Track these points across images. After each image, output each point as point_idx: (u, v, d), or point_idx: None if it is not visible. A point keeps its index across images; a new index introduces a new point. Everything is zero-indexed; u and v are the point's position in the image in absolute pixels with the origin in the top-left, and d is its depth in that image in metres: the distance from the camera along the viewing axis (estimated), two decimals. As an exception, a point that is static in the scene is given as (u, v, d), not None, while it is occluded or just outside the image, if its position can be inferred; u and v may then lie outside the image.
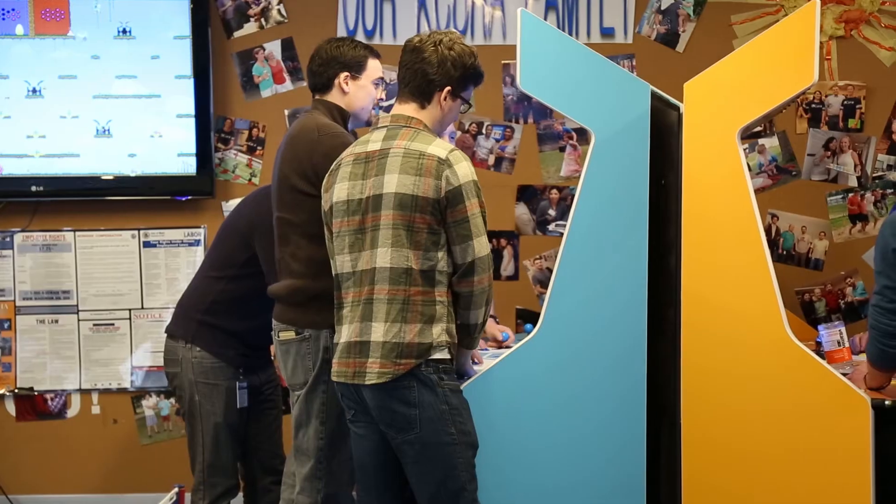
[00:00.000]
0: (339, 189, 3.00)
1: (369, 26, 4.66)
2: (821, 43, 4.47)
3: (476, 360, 3.32)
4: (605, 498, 3.25)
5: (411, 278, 2.88)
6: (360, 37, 4.61)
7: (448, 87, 2.99)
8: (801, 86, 3.08)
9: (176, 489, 3.96)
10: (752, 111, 3.16)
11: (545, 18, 4.60)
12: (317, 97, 3.41)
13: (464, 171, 2.90)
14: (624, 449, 3.24)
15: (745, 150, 4.52)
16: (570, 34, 4.59)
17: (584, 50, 3.31)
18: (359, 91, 3.37)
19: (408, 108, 3.01)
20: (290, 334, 3.26)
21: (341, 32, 4.63)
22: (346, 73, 3.36)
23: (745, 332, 3.12)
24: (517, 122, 4.65)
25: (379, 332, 2.89)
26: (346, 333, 2.97)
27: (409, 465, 2.93)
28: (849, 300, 4.53)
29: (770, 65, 3.09)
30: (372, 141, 2.99)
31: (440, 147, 2.92)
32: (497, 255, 4.64)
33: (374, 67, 3.42)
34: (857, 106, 4.51)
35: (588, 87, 3.26)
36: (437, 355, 2.89)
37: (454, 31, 3.13)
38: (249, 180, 4.67)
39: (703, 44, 4.50)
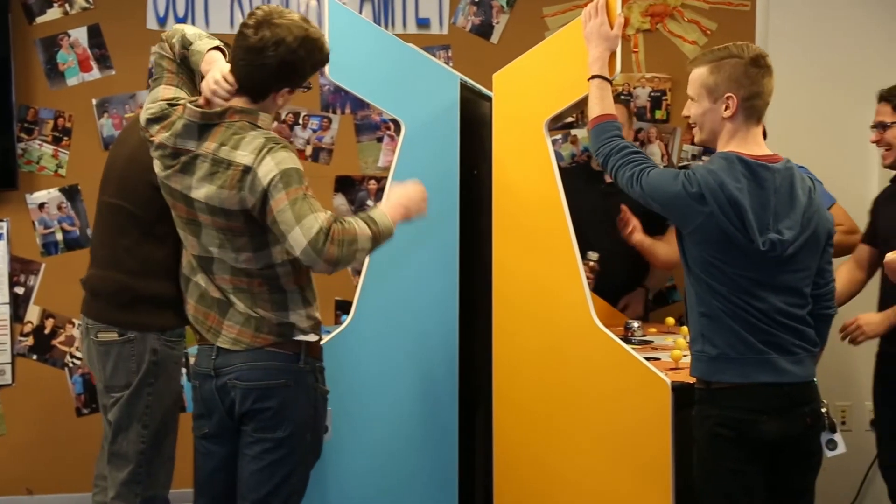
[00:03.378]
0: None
1: (181, 14, 4.54)
2: (628, 36, 4.63)
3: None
4: (419, 483, 3.27)
5: (248, 274, 2.81)
6: (171, 25, 4.48)
7: (286, 89, 2.80)
8: (604, 78, 3.17)
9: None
10: (558, 102, 3.23)
11: (361, 8, 4.59)
12: None
13: (270, 167, 2.66)
14: (438, 435, 3.29)
15: (558, 140, 4.64)
16: (386, 25, 4.59)
17: (393, 40, 3.32)
18: None
19: (235, 100, 2.77)
20: (113, 335, 3.14)
21: (151, 21, 4.51)
22: None
23: (554, 318, 3.19)
24: (334, 112, 4.63)
25: (240, 305, 2.84)
26: (195, 293, 2.91)
27: None
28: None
29: (574, 57, 3.16)
30: (181, 135, 2.77)
31: (249, 148, 2.69)
32: (316, 246, 4.60)
33: None
34: (664, 97, 4.66)
35: (398, 77, 3.27)
36: (304, 337, 2.87)
37: (295, 16, 2.76)
38: (56, 172, 4.49)
39: (517, 35, 4.56)
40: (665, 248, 4.01)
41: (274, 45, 2.70)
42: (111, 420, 3.21)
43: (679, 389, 3.01)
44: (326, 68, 3.14)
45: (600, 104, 3.00)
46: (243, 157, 2.69)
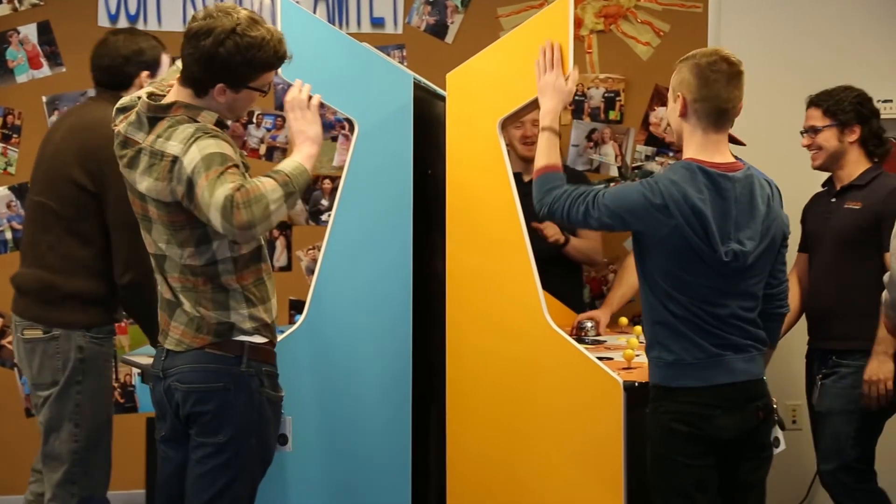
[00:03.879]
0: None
1: (132, 11, 4.49)
2: (582, 37, 4.65)
3: None
4: (372, 484, 3.26)
5: (193, 272, 2.77)
6: (123, 22, 4.44)
7: (221, 84, 2.71)
8: (556, 78, 3.18)
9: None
10: (511, 102, 3.23)
11: (315, 7, 4.57)
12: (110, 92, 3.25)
13: (194, 154, 2.60)
14: (391, 436, 3.27)
15: (512, 140, 4.64)
16: (340, 24, 4.58)
17: (346, 39, 3.31)
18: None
19: (182, 93, 2.75)
20: (38, 332, 3.11)
21: (102, 18, 4.46)
22: (147, 73, 3.24)
23: (507, 317, 3.20)
24: (288, 111, 4.60)
25: (186, 304, 2.79)
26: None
27: None
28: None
29: (527, 57, 3.16)
30: (134, 125, 2.76)
31: (179, 138, 2.65)
32: (270, 245, 4.58)
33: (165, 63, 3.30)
34: (617, 98, 4.68)
35: (350, 76, 3.26)
36: (244, 338, 2.82)
37: (243, 13, 2.70)
38: (5, 170, 4.43)
39: (472, 35, 4.56)
40: (581, 243, 4.15)
41: (204, 36, 2.66)
42: (42, 420, 3.18)
43: (631, 389, 3.03)
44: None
45: (546, 155, 3.01)
46: (173, 147, 2.65)
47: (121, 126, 2.79)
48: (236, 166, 2.63)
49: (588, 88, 4.67)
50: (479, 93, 3.26)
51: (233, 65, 2.69)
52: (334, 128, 4.61)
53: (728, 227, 2.71)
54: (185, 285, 2.77)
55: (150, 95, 2.79)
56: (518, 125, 4.18)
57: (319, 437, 3.24)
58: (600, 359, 3.18)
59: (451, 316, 3.28)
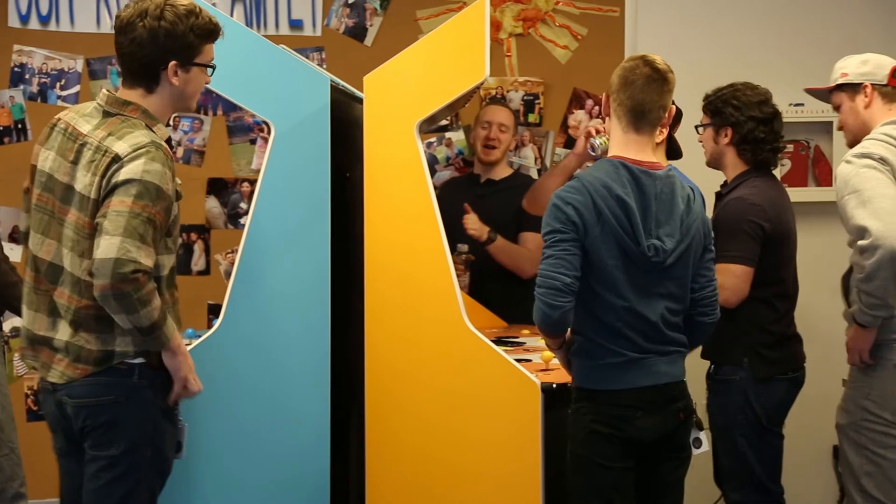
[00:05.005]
0: (47, 156, 2.72)
1: (44, 12, 4.42)
2: (501, 40, 4.67)
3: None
4: (293, 485, 3.24)
5: (85, 289, 2.64)
6: (35, 24, 4.37)
7: (173, 62, 2.70)
8: (473, 81, 3.18)
9: None
10: (428, 105, 3.24)
11: (232, 10, 4.52)
12: None
13: (136, 169, 2.58)
14: (311, 437, 3.25)
15: (433, 143, 4.66)
16: (258, 26, 4.54)
17: (260, 41, 3.29)
18: None
19: (132, 94, 2.73)
20: None
21: (13, 18, 4.38)
22: None
23: (426, 320, 3.20)
24: (206, 113, 4.56)
25: (65, 333, 2.68)
26: (28, 320, 2.76)
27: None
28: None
29: (444, 60, 3.18)
30: (86, 116, 2.73)
31: (131, 142, 2.62)
32: (188, 249, 4.53)
33: None
34: (536, 101, 4.71)
35: (266, 78, 3.24)
36: (134, 360, 2.69)
37: None
38: None
39: (391, 38, 4.55)
40: (508, 247, 4.09)
41: (139, 17, 2.67)
42: None
43: (549, 391, 3.04)
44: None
45: None
46: (121, 146, 2.62)
47: (68, 116, 2.75)
48: (153, 223, 2.59)
49: (507, 91, 4.69)
50: (397, 95, 3.26)
51: (178, 33, 2.69)
52: (252, 130, 4.57)
53: (649, 223, 2.75)
54: (70, 305, 2.67)
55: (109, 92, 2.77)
56: (484, 125, 4.18)
57: (238, 439, 3.20)
58: (519, 360, 3.19)
59: (370, 318, 3.26)
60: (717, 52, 4.72)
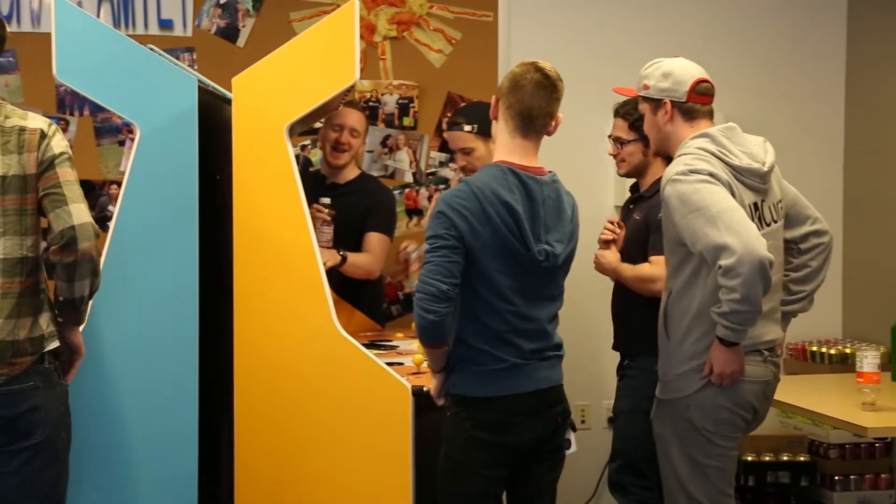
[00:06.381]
0: None
1: (6, 11, 4.29)
2: (376, 43, 4.66)
3: None
4: (159, 493, 3.16)
5: (26, 268, 2.68)
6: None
7: None
8: (342, 84, 3.17)
9: None
10: (298, 107, 3.21)
11: (99, 9, 4.41)
12: None
13: (62, 143, 2.79)
14: (178, 446, 3.17)
15: (307, 145, 4.62)
16: (126, 26, 4.44)
17: (125, 41, 3.21)
18: None
19: None
20: None
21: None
22: None
23: (296, 323, 3.17)
24: (72, 114, 4.43)
25: None
26: None
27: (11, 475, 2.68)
28: (407, 292, 4.70)
29: (314, 62, 3.15)
30: None
31: (39, 119, 2.78)
32: (53, 254, 4.39)
33: None
34: (411, 105, 4.71)
35: (130, 79, 3.16)
36: (51, 346, 2.73)
37: None
38: None
39: (264, 39, 4.48)
40: (359, 258, 4.01)
41: None
42: None
43: (420, 394, 3.04)
44: (54, 68, 3.07)
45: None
46: (38, 123, 2.77)
47: None
48: None
49: (382, 95, 4.68)
50: (266, 97, 3.22)
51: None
52: (121, 132, 4.46)
53: (538, 229, 2.78)
54: (8, 290, 2.67)
55: None
56: (336, 128, 4.06)
57: (105, 444, 3.11)
58: (390, 364, 3.19)
59: (239, 322, 3.21)
60: (590, 56, 4.80)
